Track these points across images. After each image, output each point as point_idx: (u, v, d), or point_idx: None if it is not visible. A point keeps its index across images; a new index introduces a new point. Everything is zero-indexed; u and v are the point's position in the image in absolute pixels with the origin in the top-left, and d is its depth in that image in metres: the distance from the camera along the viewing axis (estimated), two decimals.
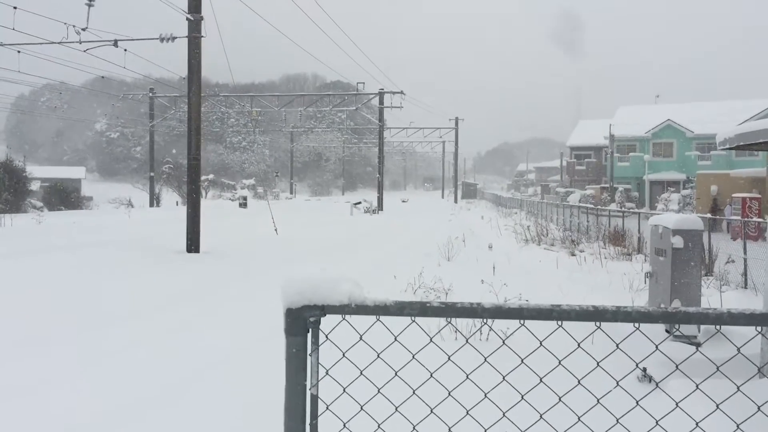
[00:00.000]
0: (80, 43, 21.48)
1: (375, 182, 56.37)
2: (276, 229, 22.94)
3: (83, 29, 20.40)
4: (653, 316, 1.89)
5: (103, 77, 35.57)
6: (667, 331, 7.62)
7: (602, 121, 62.05)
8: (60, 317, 8.68)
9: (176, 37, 19.41)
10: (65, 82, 64.69)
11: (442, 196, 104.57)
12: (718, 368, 2.04)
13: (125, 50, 23.86)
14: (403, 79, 60.24)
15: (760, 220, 16.13)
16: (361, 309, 2.00)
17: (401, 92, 49.21)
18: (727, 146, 6.75)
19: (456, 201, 78.57)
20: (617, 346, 2.07)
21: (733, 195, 28.86)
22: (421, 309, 1.98)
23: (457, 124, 75.87)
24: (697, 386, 2.06)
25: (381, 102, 50.40)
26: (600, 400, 2.07)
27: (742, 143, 6.45)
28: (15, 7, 20.87)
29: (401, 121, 67.25)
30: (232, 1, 23.03)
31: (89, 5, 19.40)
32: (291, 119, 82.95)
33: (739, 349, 1.97)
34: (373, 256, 16.95)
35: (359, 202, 47.42)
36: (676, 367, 2.06)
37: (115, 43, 22.66)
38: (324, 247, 19.31)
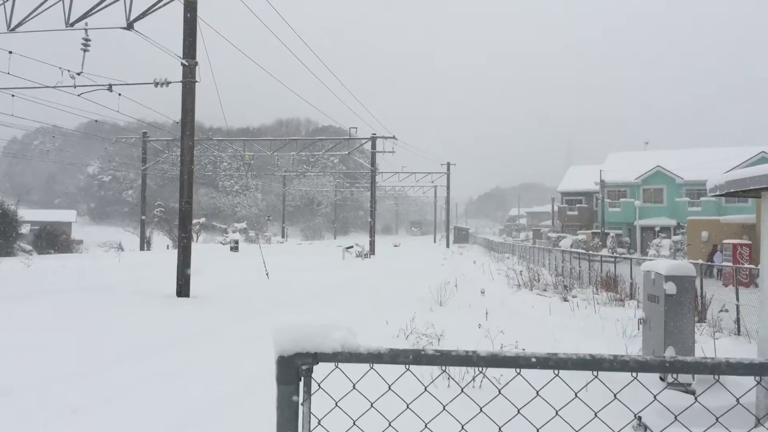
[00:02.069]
0: (75, 87, 21.58)
1: (367, 226, 56.42)
2: (267, 274, 22.82)
3: (78, 73, 20.52)
4: (651, 366, 1.86)
5: (96, 121, 35.68)
6: (661, 378, 7.55)
7: (593, 167, 62.71)
8: (47, 365, 8.53)
9: (171, 82, 19.55)
10: (58, 126, 64.83)
11: (434, 241, 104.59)
12: (717, 419, 2.00)
13: (119, 94, 24.01)
14: (395, 124, 60.79)
15: (752, 266, 16.15)
16: (355, 357, 1.96)
17: (393, 137, 49.59)
18: (718, 192, 6.79)
19: (448, 245, 78.59)
20: (615, 396, 2.04)
21: (724, 241, 28.99)
22: (416, 357, 1.95)
23: (449, 169, 76.37)
24: None
25: (373, 147, 50.78)
26: None
27: (732, 190, 6.49)
28: (11, 52, 21.06)
29: (393, 166, 67.80)
30: (227, 47, 23.33)
31: (84, 50, 19.56)
32: (283, 163, 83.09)
33: (738, 400, 1.94)
34: (364, 301, 16.84)
35: (351, 246, 47.35)
36: (675, 417, 2.02)
37: (110, 88, 22.80)
38: (315, 291, 19.20)
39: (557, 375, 1.92)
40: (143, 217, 54.49)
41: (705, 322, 12.69)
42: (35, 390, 7.16)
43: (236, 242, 48.59)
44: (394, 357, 1.95)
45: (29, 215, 57.01)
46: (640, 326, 8.75)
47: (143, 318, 12.79)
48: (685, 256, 34.98)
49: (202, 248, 45.51)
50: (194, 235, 53.85)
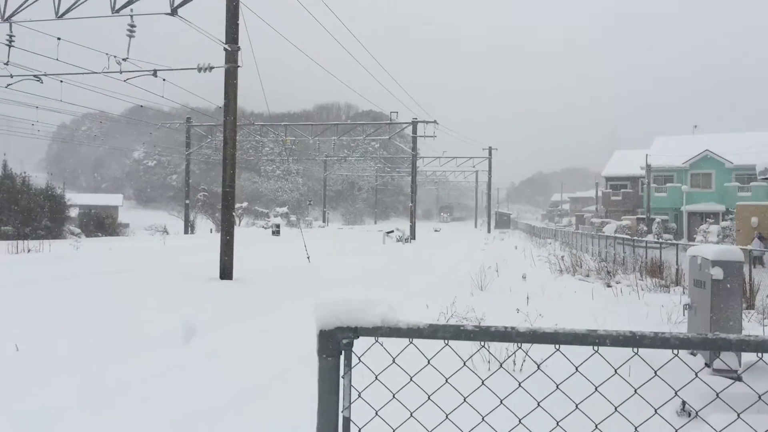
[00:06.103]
0: (120, 72, 21.94)
1: (407, 211, 56.42)
2: (308, 257, 23.01)
3: (124, 59, 20.85)
4: (692, 343, 1.85)
5: (141, 106, 36.30)
6: (706, 364, 7.44)
7: (638, 151, 61.53)
8: (98, 342, 8.78)
9: (214, 67, 19.72)
10: (105, 111, 66.26)
11: (475, 226, 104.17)
12: (759, 397, 1.98)
13: (164, 80, 24.36)
14: (436, 108, 60.54)
15: None
16: (394, 331, 1.98)
17: (434, 122, 49.37)
18: None
19: (489, 231, 78.25)
20: (655, 372, 2.02)
21: None
22: (455, 332, 1.96)
23: (490, 153, 75.77)
24: (738, 415, 2.00)
25: (414, 131, 50.60)
26: (638, 429, 2.02)
27: None
28: (59, 38, 21.50)
29: (434, 150, 67.41)
30: (268, 31, 23.45)
31: (130, 36, 19.86)
32: (324, 148, 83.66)
33: None
34: (405, 285, 16.89)
35: (392, 231, 47.39)
36: (717, 395, 2.00)
37: (155, 73, 23.13)
38: (356, 275, 19.31)
39: (596, 351, 1.92)
40: (187, 202, 55.34)
41: (754, 309, 12.42)
42: (105, 362, 7.40)
43: (278, 226, 49.04)
44: (433, 332, 1.97)
45: (77, 199, 58.34)
46: (686, 312, 8.61)
47: (188, 300, 13.05)
48: (734, 242, 34.20)
49: (244, 232, 46.09)
50: (237, 219, 54.55)
